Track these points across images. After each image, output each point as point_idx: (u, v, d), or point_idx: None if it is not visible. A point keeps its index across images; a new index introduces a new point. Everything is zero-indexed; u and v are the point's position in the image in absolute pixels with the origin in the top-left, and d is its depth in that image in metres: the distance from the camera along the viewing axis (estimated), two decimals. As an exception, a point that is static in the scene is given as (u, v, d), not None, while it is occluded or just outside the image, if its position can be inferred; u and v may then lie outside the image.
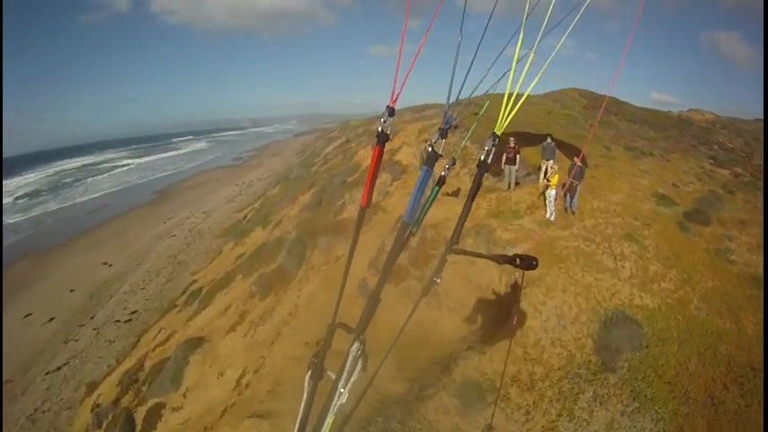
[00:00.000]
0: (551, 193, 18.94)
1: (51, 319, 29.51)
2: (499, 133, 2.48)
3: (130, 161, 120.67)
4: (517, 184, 22.81)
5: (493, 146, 2.54)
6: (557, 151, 22.06)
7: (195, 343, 20.03)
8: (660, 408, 11.33)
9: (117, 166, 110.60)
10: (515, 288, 15.97)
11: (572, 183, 19.11)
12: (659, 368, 12.34)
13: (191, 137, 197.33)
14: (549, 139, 21.97)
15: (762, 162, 33.92)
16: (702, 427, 10.92)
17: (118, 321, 28.72)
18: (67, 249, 42.84)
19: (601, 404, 11.66)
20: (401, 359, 13.19)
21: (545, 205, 19.52)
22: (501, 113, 2.40)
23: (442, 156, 2.64)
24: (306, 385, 2.61)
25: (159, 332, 24.82)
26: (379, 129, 2.57)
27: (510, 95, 2.35)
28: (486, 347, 13.62)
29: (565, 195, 19.56)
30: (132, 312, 29.79)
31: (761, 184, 28.38)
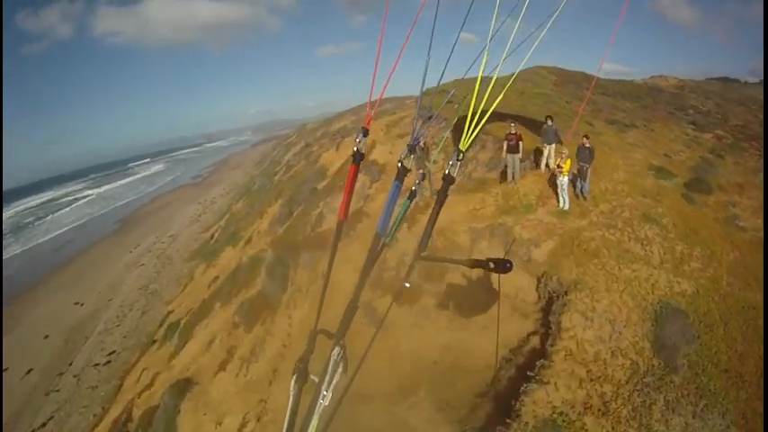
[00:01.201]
0: (564, 180, 17.26)
1: (29, 371, 28.16)
2: (464, 149, 2.59)
3: (90, 192, 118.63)
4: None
5: (458, 160, 2.64)
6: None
7: (183, 386, 18.73)
8: (724, 399, 10.81)
9: (77, 199, 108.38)
10: (553, 296, 14.27)
11: (582, 166, 17.57)
12: (714, 357, 11.78)
13: (148, 159, 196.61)
14: (549, 122, 19.98)
15: (739, 122, 34.40)
16: (760, 409, 10.59)
17: (97, 365, 27.49)
18: (36, 293, 41.09)
19: (673, 411, 10.66)
20: (439, 397, 11.61)
21: (557, 194, 17.83)
22: (465, 130, 2.55)
23: (410, 170, 2.74)
24: (291, 389, 2.66)
25: (142, 373, 23.60)
26: (355, 148, 2.73)
27: (474, 114, 2.50)
28: (545, 373, 11.74)
29: (575, 180, 17.90)
30: (111, 353, 28.61)
31: (745, 144, 28.60)
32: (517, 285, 15.02)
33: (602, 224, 16.58)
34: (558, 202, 17.71)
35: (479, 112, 2.45)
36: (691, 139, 29.73)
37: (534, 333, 13.60)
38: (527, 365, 12.53)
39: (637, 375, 11.41)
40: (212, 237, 43.17)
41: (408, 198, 2.70)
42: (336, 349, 2.60)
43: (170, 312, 29.62)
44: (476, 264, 2.72)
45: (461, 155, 2.62)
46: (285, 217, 30.32)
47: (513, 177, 20.11)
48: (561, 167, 17.10)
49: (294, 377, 2.68)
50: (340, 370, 2.61)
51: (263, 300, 21.38)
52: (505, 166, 20.99)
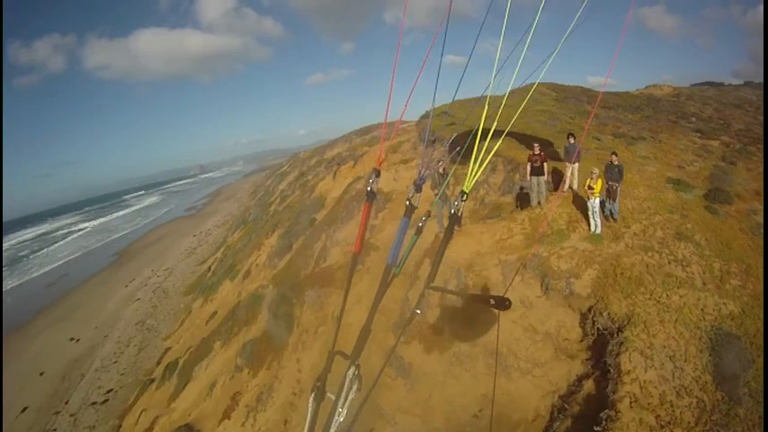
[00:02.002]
0: (595, 202, 16.05)
1: (24, 408, 27.81)
2: (467, 190, 2.97)
3: (86, 224, 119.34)
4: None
5: (462, 201, 3.01)
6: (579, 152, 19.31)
7: (186, 434, 17.58)
8: (783, 424, 9.73)
9: (72, 232, 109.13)
10: (604, 333, 12.88)
11: (611, 186, 16.42)
12: (769, 380, 10.69)
13: (142, 192, 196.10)
14: (572, 139, 18.91)
15: (741, 126, 33.66)
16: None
17: (94, 403, 27.14)
18: (31, 328, 40.87)
19: (742, 447, 9.59)
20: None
21: (589, 217, 16.52)
22: (469, 171, 2.90)
23: (417, 207, 3.09)
24: (309, 406, 2.81)
25: (141, 414, 22.97)
26: (368, 188, 3.10)
27: (477, 158, 2.90)
28: (614, 426, 10.48)
29: (603, 201, 16.76)
30: (108, 391, 28.22)
31: (752, 148, 27.99)
32: (558, 322, 13.73)
33: (638, 247, 15.36)
34: (590, 226, 16.44)
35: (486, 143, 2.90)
36: (699, 147, 28.74)
37: (586, 376, 12.26)
38: (585, 416, 11.36)
39: (704, 414, 10.47)
40: (209, 269, 42.94)
41: (416, 233, 3.02)
42: (351, 369, 2.82)
43: (168, 349, 29.15)
44: (478, 299, 3.00)
45: (465, 196, 2.97)
46: (284, 249, 29.36)
47: (539, 202, 18.67)
48: (592, 189, 15.86)
49: (312, 395, 2.85)
50: (355, 388, 2.81)
51: (267, 341, 20.36)
52: (521, 189, 19.91)
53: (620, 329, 12.30)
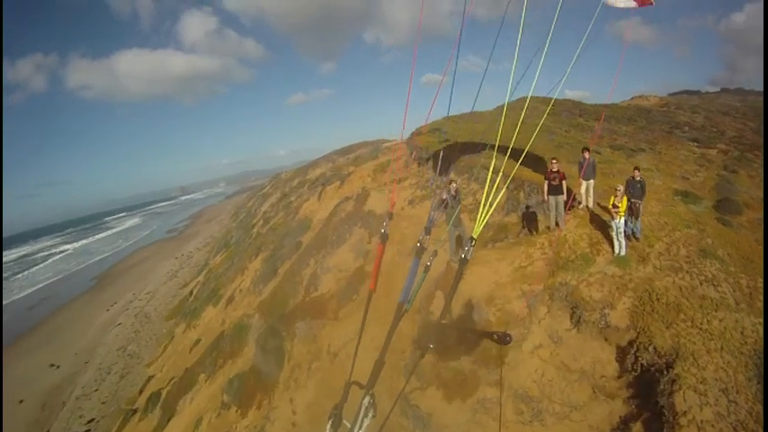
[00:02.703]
0: (620, 223, 14.73)
1: None
2: (476, 236, 3.35)
3: (67, 246, 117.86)
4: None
5: (471, 246, 3.35)
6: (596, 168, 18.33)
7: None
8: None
9: (53, 254, 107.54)
10: (650, 370, 11.47)
11: (634, 203, 15.20)
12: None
13: (124, 213, 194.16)
14: (586, 154, 17.54)
15: (734, 134, 33.85)
16: None
17: None
18: (11, 353, 39.87)
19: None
20: None
21: (612, 238, 15.19)
22: (479, 217, 3.30)
23: (426, 248, 3.65)
24: None
25: None
26: (382, 230, 3.75)
27: (485, 203, 3.41)
28: None
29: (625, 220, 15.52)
30: (89, 421, 27.28)
31: (750, 155, 28.19)
32: (593, 358, 12.30)
33: (667, 268, 14.15)
34: (614, 247, 15.15)
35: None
36: (699, 156, 28.40)
37: (632, 418, 10.85)
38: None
39: (763, 450, 9.46)
40: (191, 293, 42.22)
41: (424, 271, 3.59)
42: (367, 398, 3.21)
43: (150, 377, 28.36)
44: (484, 335, 3.84)
45: (474, 242, 3.45)
46: (269, 274, 28.15)
47: (557, 223, 17.10)
48: (617, 207, 14.60)
49: (330, 422, 3.19)
50: (370, 415, 3.21)
51: (255, 377, 19.04)
52: (526, 208, 18.78)
53: (669, 365, 11.01)
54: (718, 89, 55.72)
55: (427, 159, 27.47)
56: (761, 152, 28.17)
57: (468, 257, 3.37)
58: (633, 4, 10.86)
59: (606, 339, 12.44)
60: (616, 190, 14.75)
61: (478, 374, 13.45)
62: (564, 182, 16.38)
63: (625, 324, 12.56)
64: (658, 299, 12.84)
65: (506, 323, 13.68)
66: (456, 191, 16.10)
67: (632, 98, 52.39)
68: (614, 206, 14.57)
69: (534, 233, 18.27)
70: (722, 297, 12.86)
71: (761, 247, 15.99)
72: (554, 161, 16.57)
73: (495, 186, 4.24)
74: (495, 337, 3.26)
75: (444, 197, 16.12)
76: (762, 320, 11.87)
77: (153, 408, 23.77)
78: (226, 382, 20.18)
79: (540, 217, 18.79)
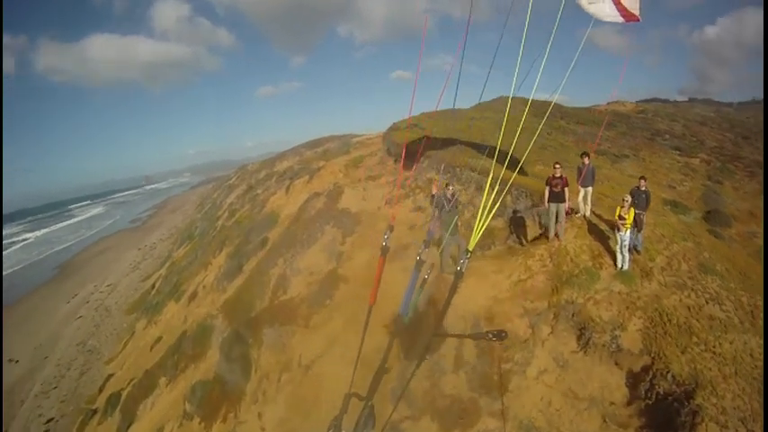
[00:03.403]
0: (625, 236, 13.63)
1: None
2: (471, 249, 3.48)
3: (29, 235, 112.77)
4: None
5: (467, 259, 3.52)
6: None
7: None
8: None
9: (14, 243, 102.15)
10: (668, 399, 10.43)
11: (638, 214, 14.10)
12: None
13: (88, 201, 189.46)
14: (586, 159, 16.35)
15: (714, 144, 33.74)
16: None
17: None
18: None
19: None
20: None
21: (615, 251, 14.06)
22: (475, 228, 3.41)
23: (425, 261, 3.89)
24: None
25: None
26: (383, 243, 3.92)
27: (483, 213, 3.55)
28: None
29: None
30: (48, 421, 26.05)
31: (731, 166, 28.29)
32: (602, 383, 11.21)
33: (672, 284, 13.24)
34: (616, 261, 14.08)
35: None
36: (683, 165, 28.22)
37: None
38: None
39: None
40: (153, 286, 40.84)
41: (420, 286, 3.98)
42: (366, 409, 3.44)
43: (110, 376, 27.05)
44: (479, 336, 4.16)
45: (469, 254, 3.60)
46: (234, 271, 26.75)
47: (557, 233, 15.87)
48: (624, 219, 13.48)
49: None
50: (369, 426, 3.39)
51: (219, 387, 17.63)
52: (514, 212, 17.74)
53: (688, 395, 10.16)
54: (687, 99, 56.32)
55: (405, 156, 26.26)
56: (743, 163, 28.19)
57: (464, 270, 3.52)
58: (620, 20, 10.33)
59: (617, 364, 11.39)
60: (623, 201, 13.67)
61: (479, 403, 12.22)
62: (566, 189, 15.10)
63: (638, 348, 11.58)
64: (669, 320, 12.00)
65: (509, 346, 12.47)
66: (453, 195, 14.67)
67: (608, 103, 51.28)
68: (620, 218, 13.47)
69: (522, 239, 17.19)
70: (728, 317, 12.31)
71: (754, 262, 16.07)
72: (557, 166, 15.33)
73: (494, 193, 4.26)
74: (491, 336, 3.38)
75: (434, 193, 14.98)
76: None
77: (112, 410, 22.64)
78: (188, 389, 18.88)
79: (529, 222, 17.75)
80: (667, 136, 35.08)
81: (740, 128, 38.16)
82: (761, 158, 28.75)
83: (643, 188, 14.91)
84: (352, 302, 16.34)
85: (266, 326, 18.11)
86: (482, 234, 11.97)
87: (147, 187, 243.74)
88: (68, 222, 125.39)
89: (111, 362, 29.48)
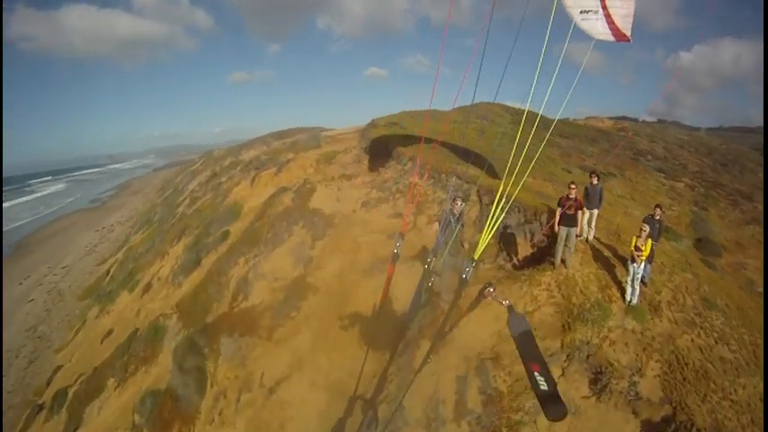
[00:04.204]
0: (639, 269, 12.35)
1: None
2: (476, 258, 3.90)
3: None
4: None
5: (471, 268, 3.81)
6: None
7: None
8: None
9: None
10: None
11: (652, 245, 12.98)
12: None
13: (50, 177, 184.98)
14: (595, 179, 15.10)
15: (695, 169, 33.60)
16: None
17: None
18: None
19: None
20: None
21: (626, 283, 12.75)
22: (481, 239, 3.82)
23: (434, 272, 5.05)
24: None
25: None
26: (395, 251, 4.22)
27: (493, 216, 4.24)
28: None
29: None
30: None
31: (713, 193, 28.08)
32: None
33: (681, 322, 12.17)
34: (625, 294, 12.78)
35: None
36: (669, 189, 27.66)
37: None
38: None
39: None
40: (108, 272, 39.15)
41: (425, 291, 4.69)
42: (370, 412, 3.80)
43: (59, 367, 25.44)
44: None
45: (474, 263, 3.99)
46: (191, 265, 25.18)
47: (564, 260, 14.33)
48: (641, 251, 12.23)
49: None
50: (372, 427, 3.60)
51: (172, 401, 16.03)
52: (504, 228, 16.29)
53: None
54: (656, 119, 56.77)
55: (385, 156, 24.69)
56: (725, 191, 28.11)
57: (468, 278, 4.10)
58: (611, 39, 9.46)
59: (634, 412, 10.07)
60: (641, 230, 12.41)
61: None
62: (579, 212, 13.80)
63: (658, 396, 10.38)
64: (686, 363, 10.97)
65: (519, 393, 11.00)
66: (460, 213, 13.17)
67: (586, 118, 52.14)
68: (637, 249, 12.21)
69: (513, 257, 15.84)
70: (736, 358, 11.56)
71: (747, 297, 15.36)
72: (572, 186, 13.92)
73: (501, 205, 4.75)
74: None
75: (456, 211, 13.16)
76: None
77: (59, 409, 21.32)
78: (138, 398, 17.33)
79: (520, 240, 16.37)
80: (650, 157, 34.73)
81: (716, 154, 38.34)
82: (741, 187, 28.91)
83: (658, 217, 13.88)
84: (321, 317, 14.98)
85: (224, 335, 16.63)
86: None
87: (111, 166, 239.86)
88: (27, 198, 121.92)
89: (61, 351, 28.01)
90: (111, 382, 20.05)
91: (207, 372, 15.94)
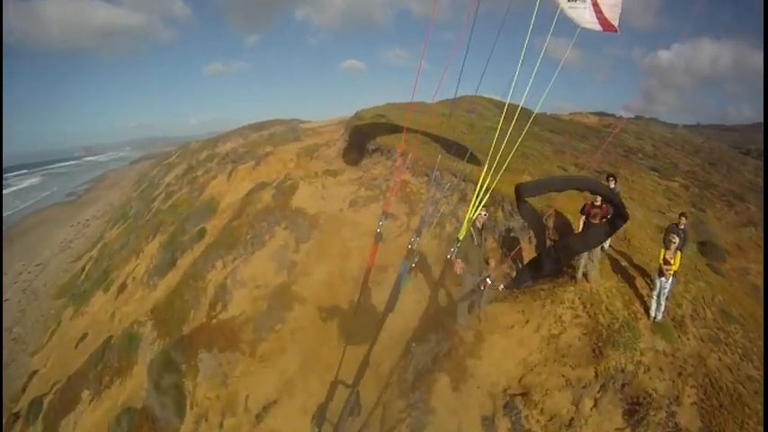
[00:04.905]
0: (667, 283, 11.39)
1: None
2: (461, 238, 3.87)
3: None
4: None
5: (457, 248, 4.00)
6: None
7: None
8: None
9: None
10: None
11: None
12: None
13: (25, 171, 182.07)
14: (612, 183, 14.21)
15: (687, 168, 32.61)
16: None
17: None
18: None
19: None
20: None
21: (652, 297, 11.69)
22: (469, 209, 3.88)
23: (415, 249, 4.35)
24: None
25: None
26: (377, 230, 4.08)
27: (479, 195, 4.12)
28: None
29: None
30: None
31: (707, 193, 27.17)
32: None
33: (707, 339, 11.29)
34: (650, 309, 11.75)
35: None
36: (665, 189, 26.50)
37: None
38: None
39: None
40: (83, 270, 37.82)
41: (410, 272, 4.40)
42: (353, 396, 3.69)
43: (35, 372, 24.26)
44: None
45: (459, 242, 4.04)
46: (166, 266, 24.09)
47: (586, 274, 12.86)
48: (669, 264, 11.30)
49: (314, 421, 3.63)
50: (355, 413, 3.65)
51: (149, 423, 14.82)
52: (507, 231, 15.26)
53: None
54: (633, 116, 56.51)
55: (372, 150, 23.38)
56: (717, 191, 27.32)
57: (453, 258, 4.12)
58: (598, 28, 8.83)
59: None
60: (670, 242, 11.40)
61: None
62: (605, 220, 12.59)
63: (697, 426, 9.47)
64: (720, 387, 10.13)
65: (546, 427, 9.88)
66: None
67: (571, 114, 51.08)
68: (666, 262, 11.24)
69: (518, 263, 14.55)
70: (759, 374, 10.88)
71: (756, 304, 14.55)
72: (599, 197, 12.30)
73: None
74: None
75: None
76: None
77: (34, 419, 20.45)
78: (113, 416, 16.22)
79: (524, 245, 15.09)
80: (641, 155, 33.83)
81: (702, 152, 37.74)
82: (732, 187, 28.35)
83: (683, 226, 12.99)
84: (310, 332, 13.88)
85: (202, 349, 15.35)
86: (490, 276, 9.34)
87: (87, 159, 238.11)
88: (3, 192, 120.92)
89: (36, 353, 26.94)
90: (85, 394, 18.98)
91: (185, 391, 14.71)
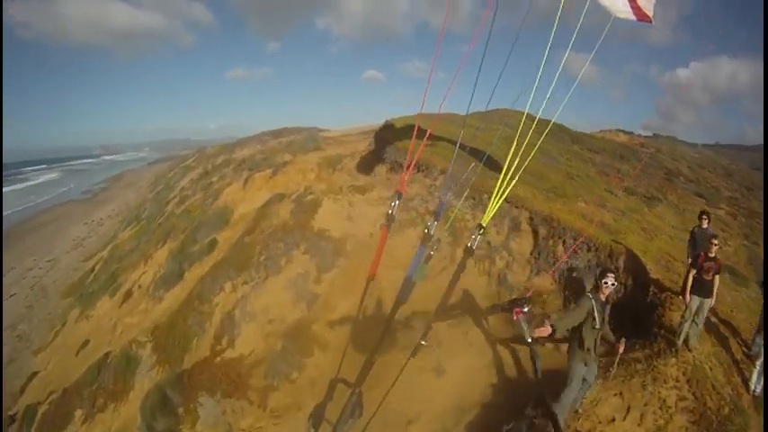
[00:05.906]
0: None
1: None
2: (485, 224, 3.29)
3: None
4: None
5: (479, 235, 3.48)
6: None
7: None
8: None
9: None
10: None
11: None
12: None
13: (44, 166, 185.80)
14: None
15: (731, 195, 30.94)
16: None
17: None
18: None
19: None
20: None
21: (756, 367, 9.72)
22: (492, 200, 3.36)
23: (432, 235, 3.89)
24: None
25: None
26: (390, 212, 3.74)
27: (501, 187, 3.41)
28: None
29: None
30: None
31: (754, 223, 25.07)
32: None
33: None
34: (750, 381, 9.76)
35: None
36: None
37: None
38: None
39: None
40: (92, 269, 37.31)
41: (425, 261, 3.95)
42: (354, 397, 3.43)
43: (35, 374, 23.64)
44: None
45: (482, 230, 3.51)
46: (173, 278, 23.01)
47: (687, 340, 10.38)
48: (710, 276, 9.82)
49: (311, 422, 3.43)
50: (356, 414, 3.41)
51: None
52: (570, 271, 13.11)
53: None
54: (651, 134, 55.22)
55: (408, 166, 21.44)
56: (760, 220, 25.06)
57: (474, 247, 3.60)
58: (632, 17, 7.74)
59: None
60: (711, 245, 9.99)
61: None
62: (717, 277, 10.16)
63: None
64: None
65: None
66: (607, 300, 8.12)
67: (601, 131, 49.27)
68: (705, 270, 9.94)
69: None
70: None
71: None
72: (715, 242, 10.31)
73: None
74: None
75: (602, 296, 7.89)
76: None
77: (28, 428, 19.82)
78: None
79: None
80: (682, 178, 32.27)
81: (736, 176, 36.09)
82: None
83: (705, 226, 12.04)
84: (321, 386, 11.56)
85: (203, 391, 13.39)
86: (530, 300, 7.87)
87: (106, 157, 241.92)
88: (20, 186, 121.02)
89: (39, 353, 26.32)
90: (78, 413, 17.70)
91: (182, 435, 12.76)
